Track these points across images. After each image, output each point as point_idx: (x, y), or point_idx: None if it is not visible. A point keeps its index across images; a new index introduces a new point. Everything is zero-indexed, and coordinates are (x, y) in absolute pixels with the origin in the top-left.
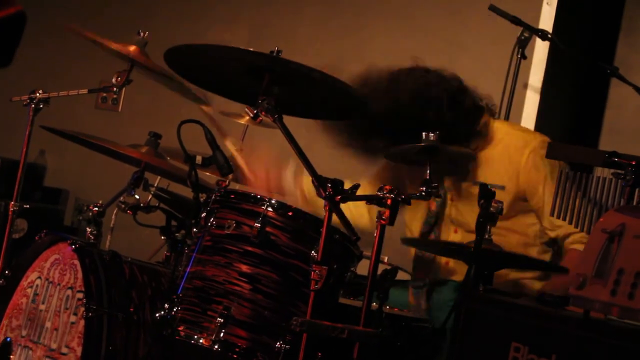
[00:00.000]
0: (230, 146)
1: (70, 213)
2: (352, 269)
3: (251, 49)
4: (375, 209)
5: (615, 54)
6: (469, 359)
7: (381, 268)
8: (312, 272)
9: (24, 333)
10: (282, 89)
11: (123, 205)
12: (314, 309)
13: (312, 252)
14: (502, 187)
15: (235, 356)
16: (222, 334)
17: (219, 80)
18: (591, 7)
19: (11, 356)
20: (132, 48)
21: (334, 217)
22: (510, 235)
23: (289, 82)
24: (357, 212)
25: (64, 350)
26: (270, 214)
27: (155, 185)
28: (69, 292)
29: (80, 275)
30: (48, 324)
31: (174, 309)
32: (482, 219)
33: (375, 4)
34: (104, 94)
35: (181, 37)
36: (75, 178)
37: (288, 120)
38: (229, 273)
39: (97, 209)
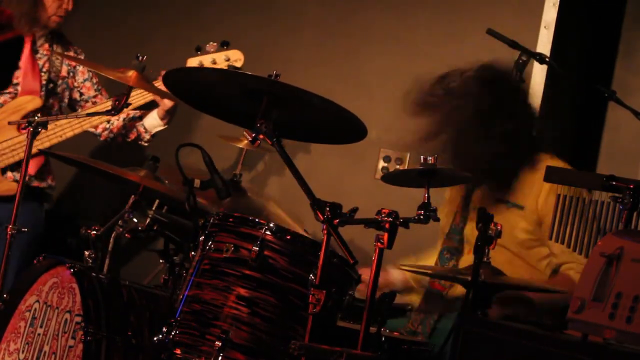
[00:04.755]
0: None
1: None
2: (350, 292)
3: (249, 73)
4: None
5: (613, 77)
6: None
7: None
8: (311, 296)
9: (22, 357)
10: (280, 112)
11: (121, 229)
12: (312, 333)
13: (311, 275)
14: (522, 207)
15: None
16: (220, 358)
17: (217, 103)
18: (589, 31)
19: None
20: (131, 72)
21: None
22: (521, 266)
23: (288, 105)
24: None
25: None
26: (268, 237)
27: (154, 208)
28: (67, 315)
29: (78, 298)
30: (46, 348)
31: (172, 333)
32: (480, 242)
33: (373, 27)
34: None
35: (179, 60)
36: (74, 201)
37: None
38: (227, 297)
39: (95, 232)
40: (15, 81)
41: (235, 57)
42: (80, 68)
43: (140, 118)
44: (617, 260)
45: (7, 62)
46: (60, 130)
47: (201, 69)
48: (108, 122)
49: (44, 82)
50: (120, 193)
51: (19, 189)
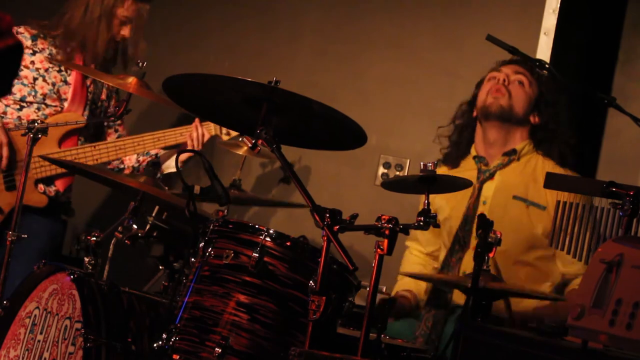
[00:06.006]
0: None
1: (68, 243)
2: (350, 298)
3: (249, 79)
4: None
5: (613, 83)
6: None
7: (379, 298)
8: (310, 302)
9: None
10: (280, 118)
11: (121, 235)
12: (312, 339)
13: (310, 282)
14: (544, 208)
15: None
16: None
17: (217, 110)
18: (588, 37)
19: None
20: (131, 79)
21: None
22: (523, 269)
23: (288, 111)
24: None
25: None
26: (268, 243)
27: (154, 214)
28: (67, 322)
29: (78, 305)
30: (46, 355)
31: (172, 339)
32: (480, 249)
33: (373, 33)
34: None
35: (179, 66)
36: (74, 207)
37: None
38: (227, 303)
39: (95, 238)
40: (63, 96)
41: None
42: (113, 94)
43: (156, 156)
44: (617, 266)
45: (7, 68)
46: (98, 154)
47: (201, 75)
48: (137, 160)
49: (88, 101)
50: (119, 199)
51: (19, 195)
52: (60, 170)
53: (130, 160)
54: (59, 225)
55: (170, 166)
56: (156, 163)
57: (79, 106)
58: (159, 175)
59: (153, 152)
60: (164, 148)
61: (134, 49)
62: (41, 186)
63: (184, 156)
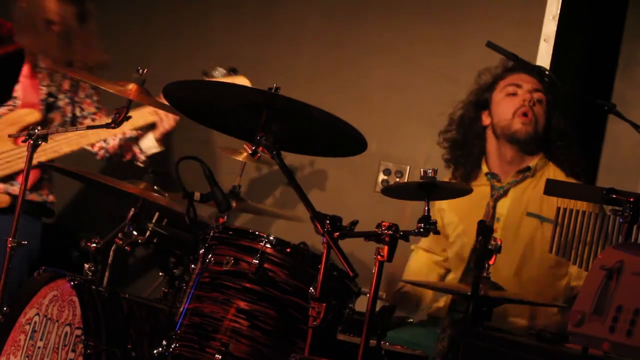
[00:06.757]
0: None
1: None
2: (350, 305)
3: (249, 86)
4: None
5: (613, 90)
6: None
7: (379, 305)
8: (310, 309)
9: None
10: (280, 125)
11: (121, 241)
12: (312, 346)
13: (311, 288)
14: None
15: None
16: None
17: (218, 116)
18: (588, 43)
19: None
20: (131, 85)
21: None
22: (537, 285)
23: (288, 118)
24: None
25: None
26: (268, 250)
27: (154, 221)
28: (67, 328)
29: (78, 311)
30: None
31: (172, 346)
32: (480, 256)
33: (373, 39)
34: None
35: (180, 72)
36: (74, 214)
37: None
38: (227, 310)
39: (95, 245)
40: (14, 95)
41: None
42: (81, 83)
43: (137, 138)
44: (617, 273)
45: (7, 75)
46: (57, 145)
47: (201, 81)
48: (104, 141)
49: (43, 96)
50: (120, 206)
51: (19, 202)
52: (18, 167)
53: (114, 140)
54: (33, 225)
55: (151, 147)
56: (155, 171)
57: (32, 101)
58: (143, 158)
59: (128, 134)
60: (135, 129)
61: (84, 56)
62: (1, 186)
63: (158, 134)
